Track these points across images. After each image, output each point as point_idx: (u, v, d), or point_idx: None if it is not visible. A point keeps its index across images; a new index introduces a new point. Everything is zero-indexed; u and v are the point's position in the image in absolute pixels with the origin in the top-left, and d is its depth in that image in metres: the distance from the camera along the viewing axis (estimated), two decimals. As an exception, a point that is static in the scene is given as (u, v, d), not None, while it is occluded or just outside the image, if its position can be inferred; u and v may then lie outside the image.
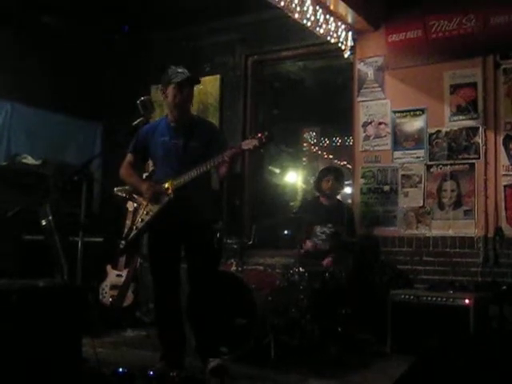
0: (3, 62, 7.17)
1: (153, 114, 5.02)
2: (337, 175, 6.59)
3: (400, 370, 4.99)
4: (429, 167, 6.54)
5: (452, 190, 6.41)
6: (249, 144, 4.34)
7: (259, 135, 4.31)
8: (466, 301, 5.33)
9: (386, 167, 6.78)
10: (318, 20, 6.44)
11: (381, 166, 6.81)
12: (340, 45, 6.86)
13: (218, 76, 8.03)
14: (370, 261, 6.55)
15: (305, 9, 6.27)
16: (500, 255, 6.05)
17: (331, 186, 6.50)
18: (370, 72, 6.97)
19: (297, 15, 6.27)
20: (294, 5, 6.16)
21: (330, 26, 6.61)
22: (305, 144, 11.34)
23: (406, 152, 6.68)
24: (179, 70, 4.61)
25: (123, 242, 4.75)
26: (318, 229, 6.36)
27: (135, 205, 4.84)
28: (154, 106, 4.85)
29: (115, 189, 6.20)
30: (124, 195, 5.76)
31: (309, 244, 6.27)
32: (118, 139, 5.01)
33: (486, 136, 6.28)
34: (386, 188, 6.76)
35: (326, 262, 6.11)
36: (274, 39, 7.60)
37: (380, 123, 6.84)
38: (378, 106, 6.88)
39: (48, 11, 7.68)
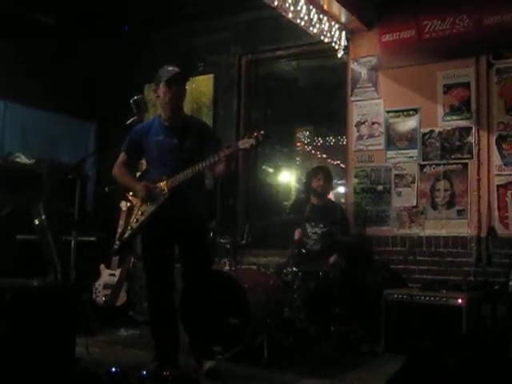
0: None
1: (146, 113, 5.02)
2: (326, 174, 6.59)
3: (393, 368, 4.98)
4: (422, 167, 6.55)
5: (445, 190, 6.42)
6: (245, 143, 4.33)
7: (255, 134, 4.30)
8: (459, 300, 5.35)
9: (380, 167, 6.79)
10: (312, 19, 6.45)
11: (374, 165, 6.82)
12: (333, 44, 6.86)
13: (212, 75, 8.03)
14: (364, 260, 6.56)
15: (298, 8, 6.27)
16: (493, 255, 6.07)
17: (321, 184, 6.50)
18: (363, 72, 6.98)
19: (290, 15, 6.27)
20: (287, 4, 6.16)
21: (323, 26, 6.62)
22: (298, 143, 11.32)
23: (400, 152, 6.69)
24: (169, 69, 4.62)
25: (118, 242, 4.75)
26: (310, 229, 6.37)
27: (128, 204, 4.83)
28: (147, 105, 4.86)
29: (106, 187, 6.20)
30: (114, 192, 5.75)
31: (297, 234, 6.22)
32: (112, 138, 5.01)
33: (478, 136, 6.29)
34: (380, 188, 6.77)
35: (333, 259, 6.11)
36: (267, 39, 7.61)
37: (373, 123, 6.86)
38: (372, 106, 6.89)
39: (43, 10, 7.66)
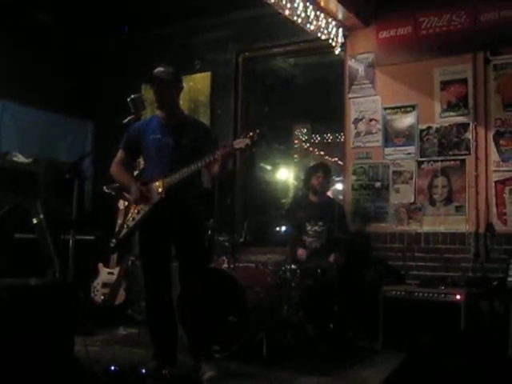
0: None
1: (143, 111, 5.01)
2: (326, 171, 6.57)
3: (392, 366, 5.01)
4: (420, 163, 6.56)
5: (443, 186, 6.42)
6: (241, 143, 4.32)
7: (251, 134, 4.30)
8: (457, 296, 5.36)
9: (377, 163, 6.79)
10: (309, 17, 6.45)
11: (372, 162, 6.82)
12: (331, 41, 6.86)
13: (209, 73, 8.03)
14: (362, 257, 6.56)
15: (295, 5, 6.27)
16: (491, 251, 6.08)
17: (321, 182, 6.49)
18: (360, 68, 6.98)
19: (287, 12, 6.27)
20: (284, 1, 6.16)
21: (320, 23, 6.62)
22: (296, 141, 11.33)
23: (397, 148, 6.69)
24: (156, 69, 4.65)
25: (114, 240, 4.75)
26: (309, 227, 6.36)
27: (126, 203, 4.83)
28: (144, 103, 4.84)
29: (104, 187, 6.20)
30: (113, 193, 5.75)
31: (302, 253, 6.24)
32: (109, 137, 5.01)
33: (476, 132, 6.30)
34: (378, 184, 6.77)
35: (333, 258, 6.10)
36: (264, 36, 7.60)
37: (371, 120, 6.86)
38: (369, 103, 6.89)
39: (40, 9, 7.66)
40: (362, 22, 6.83)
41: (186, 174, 4.41)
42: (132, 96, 4.78)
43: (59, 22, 7.87)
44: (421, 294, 5.57)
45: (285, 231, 6.47)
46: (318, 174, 6.52)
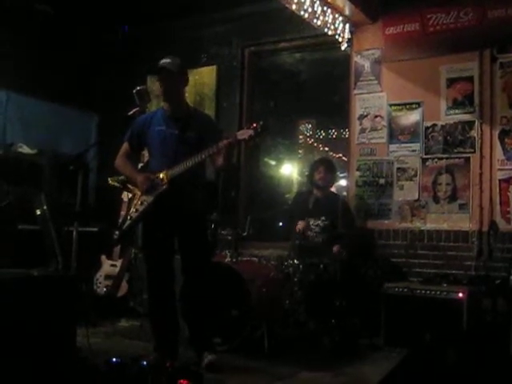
0: (-1, 50, 7.15)
1: (148, 104, 5.01)
2: (328, 166, 6.58)
3: (393, 362, 5.01)
4: (424, 161, 6.55)
5: (447, 184, 6.42)
6: (244, 134, 4.32)
7: (254, 125, 4.30)
8: (460, 294, 5.34)
9: (382, 160, 6.78)
10: (316, 12, 6.44)
11: (376, 158, 6.82)
12: (337, 37, 6.85)
13: (215, 67, 8.02)
14: (365, 253, 6.56)
15: (302, 0, 6.26)
16: (494, 249, 6.05)
17: (323, 176, 6.49)
18: (366, 64, 6.96)
19: (294, 6, 6.26)
20: (291, -4, 6.16)
21: (327, 18, 6.60)
22: (301, 136, 11.32)
23: (402, 145, 6.68)
24: (162, 60, 4.64)
25: (117, 232, 4.75)
26: (312, 222, 6.35)
27: (130, 195, 4.83)
28: (149, 96, 4.84)
29: (109, 178, 6.21)
30: (118, 185, 5.75)
31: (300, 225, 6.25)
32: (114, 129, 5.01)
33: (481, 130, 6.28)
34: (382, 181, 6.76)
35: (336, 249, 6.10)
36: (271, 30, 7.58)
37: (376, 116, 6.85)
38: (375, 99, 6.88)
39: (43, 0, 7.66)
40: (368, 17, 6.82)
41: (189, 165, 4.41)
42: (137, 88, 4.79)
43: (63, 13, 7.85)
44: (423, 292, 5.55)
45: (288, 226, 6.46)
46: (320, 169, 6.53)
